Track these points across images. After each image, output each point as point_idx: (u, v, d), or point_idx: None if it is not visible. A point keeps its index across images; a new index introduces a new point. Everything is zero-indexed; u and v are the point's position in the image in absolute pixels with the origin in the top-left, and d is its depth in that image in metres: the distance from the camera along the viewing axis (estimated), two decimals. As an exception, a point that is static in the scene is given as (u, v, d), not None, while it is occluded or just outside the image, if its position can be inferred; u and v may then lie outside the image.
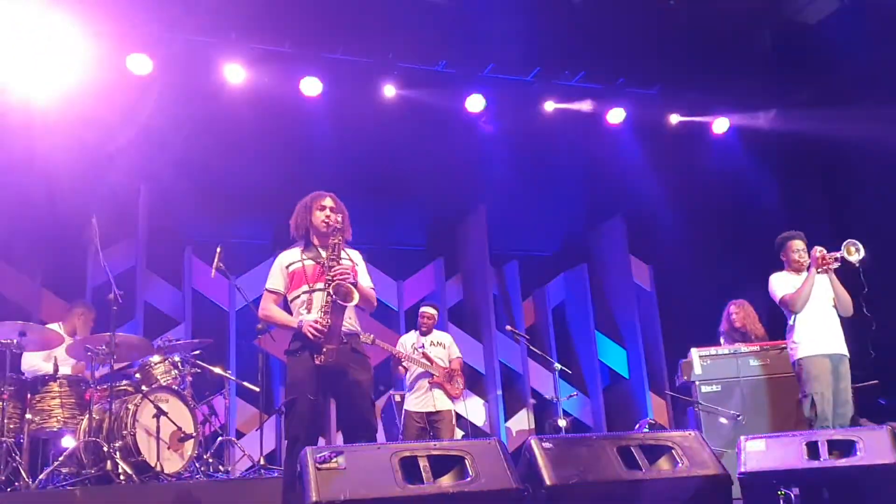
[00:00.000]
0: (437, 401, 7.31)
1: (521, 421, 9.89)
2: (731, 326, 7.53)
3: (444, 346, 7.60)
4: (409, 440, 6.94)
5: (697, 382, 7.11)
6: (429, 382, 7.32)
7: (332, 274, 4.49)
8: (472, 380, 9.62)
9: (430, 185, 9.79)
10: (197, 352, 7.13)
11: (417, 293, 10.01)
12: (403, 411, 7.45)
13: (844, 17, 9.17)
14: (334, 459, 3.39)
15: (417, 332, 7.63)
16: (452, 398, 7.41)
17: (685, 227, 10.05)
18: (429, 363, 7.36)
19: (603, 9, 8.77)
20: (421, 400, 7.33)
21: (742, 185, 9.87)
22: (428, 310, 7.67)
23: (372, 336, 7.19)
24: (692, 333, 8.13)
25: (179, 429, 6.17)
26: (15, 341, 5.96)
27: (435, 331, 7.68)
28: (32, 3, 7.23)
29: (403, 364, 7.41)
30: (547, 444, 3.63)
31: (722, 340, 7.55)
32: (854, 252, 5.90)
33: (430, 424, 7.26)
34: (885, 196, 8.52)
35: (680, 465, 3.70)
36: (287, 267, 4.72)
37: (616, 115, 9.63)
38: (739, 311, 7.52)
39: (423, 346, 7.46)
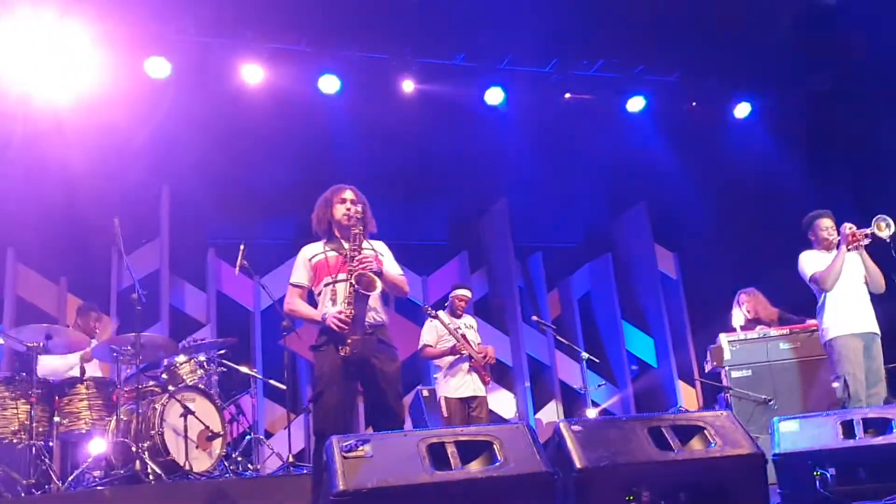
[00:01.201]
0: (476, 385, 7.04)
1: (551, 413, 9.83)
2: (745, 317, 7.47)
3: (474, 330, 7.39)
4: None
5: (727, 368, 7.00)
6: (469, 366, 7.04)
7: (353, 264, 4.46)
8: (499, 373, 9.58)
9: (452, 179, 9.78)
10: (222, 351, 7.13)
11: (443, 288, 9.94)
12: (442, 398, 7.09)
13: (867, -5, 9.04)
14: (361, 447, 3.35)
15: (448, 313, 7.32)
16: (484, 384, 7.15)
17: (709, 214, 9.96)
18: (468, 346, 7.09)
19: (619, -4, 8.70)
20: (461, 385, 7.02)
21: (766, 170, 9.75)
22: (464, 292, 7.43)
23: (433, 310, 7.12)
24: (720, 320, 8.03)
25: (207, 427, 6.16)
26: (41, 344, 5.97)
27: (464, 314, 7.44)
28: (50, 9, 7.27)
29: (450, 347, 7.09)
30: (576, 427, 3.57)
31: (739, 332, 7.47)
32: (885, 228, 5.75)
33: (469, 410, 6.98)
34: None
35: (713, 444, 3.62)
36: (310, 260, 4.69)
37: (636, 104, 9.56)
38: (751, 300, 7.46)
39: (460, 329, 7.17)
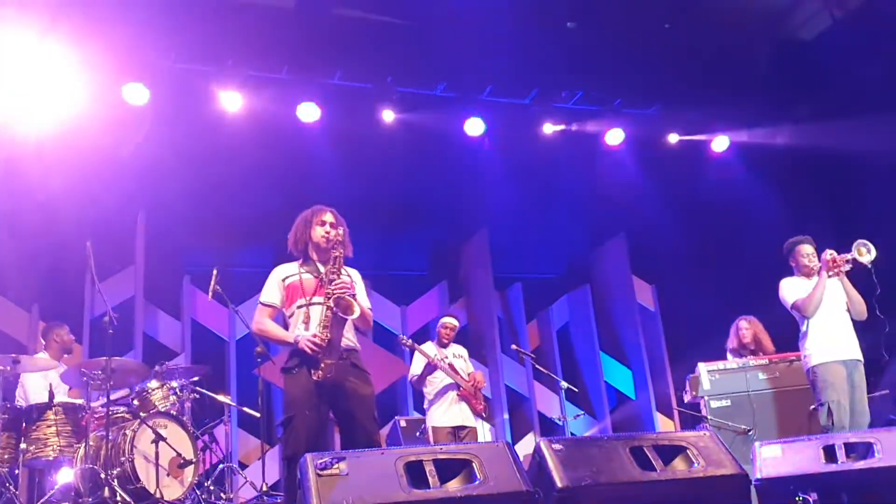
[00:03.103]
0: (464, 414, 6.96)
1: (529, 445, 9.72)
2: (740, 343, 7.41)
3: (464, 359, 7.33)
4: None
5: (706, 398, 6.97)
6: (457, 395, 6.96)
7: (332, 287, 4.39)
8: (478, 404, 9.48)
9: (432, 209, 9.76)
10: (195, 378, 7.00)
11: (421, 318, 9.91)
12: (429, 428, 7.02)
13: (839, 32, 9.21)
14: (336, 465, 3.26)
15: (435, 343, 7.27)
16: (476, 414, 7.06)
17: (687, 246, 9.97)
18: (455, 374, 7.01)
19: (599, 31, 8.78)
20: (448, 413, 6.94)
21: (744, 202, 9.80)
22: (450, 320, 7.38)
23: (410, 340, 7.09)
24: (697, 352, 7.99)
25: (179, 454, 6.02)
26: (9, 368, 5.83)
27: (452, 343, 7.35)
28: (28, 34, 7.21)
29: (429, 376, 7.03)
30: (557, 446, 3.50)
31: (729, 357, 7.42)
32: (865, 253, 5.75)
33: (458, 441, 6.82)
34: (889, 205, 8.45)
35: (696, 465, 3.56)
36: (283, 280, 4.62)
37: (615, 136, 9.59)
38: (750, 328, 7.40)
39: (447, 358, 7.12)
